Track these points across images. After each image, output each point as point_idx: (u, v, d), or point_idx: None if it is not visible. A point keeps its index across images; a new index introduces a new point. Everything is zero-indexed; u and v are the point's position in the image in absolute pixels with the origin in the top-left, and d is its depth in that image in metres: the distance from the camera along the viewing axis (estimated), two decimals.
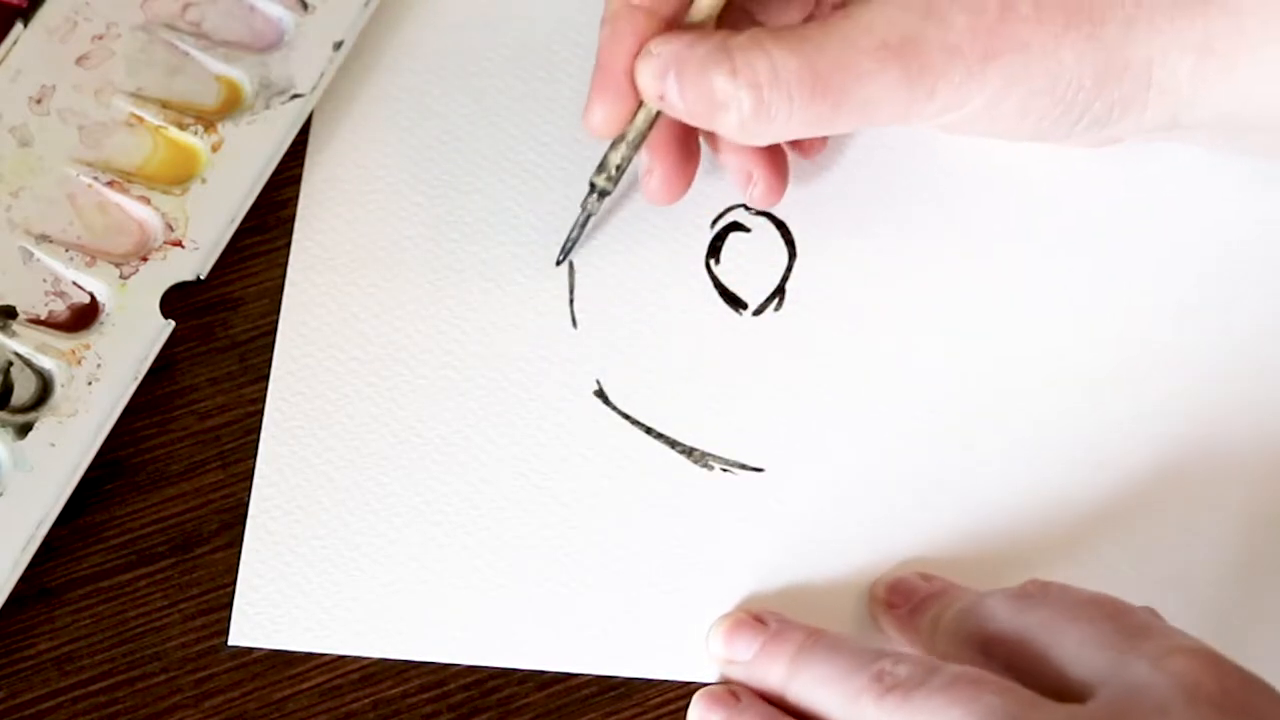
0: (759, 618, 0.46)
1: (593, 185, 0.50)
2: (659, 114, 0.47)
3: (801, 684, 0.43)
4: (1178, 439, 0.50)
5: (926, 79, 0.45)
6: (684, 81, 0.45)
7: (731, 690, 0.45)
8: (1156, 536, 0.49)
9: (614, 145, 0.49)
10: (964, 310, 0.52)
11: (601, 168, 0.49)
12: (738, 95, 0.44)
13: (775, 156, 0.50)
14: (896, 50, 0.44)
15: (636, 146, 0.48)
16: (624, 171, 0.49)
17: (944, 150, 0.54)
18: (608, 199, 0.51)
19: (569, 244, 0.52)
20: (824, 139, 0.52)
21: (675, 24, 0.47)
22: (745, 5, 0.50)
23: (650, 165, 0.49)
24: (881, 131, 0.54)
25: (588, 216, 0.51)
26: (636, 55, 0.46)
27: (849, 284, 0.52)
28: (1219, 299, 0.52)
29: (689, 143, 0.50)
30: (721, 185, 0.53)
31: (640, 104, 0.47)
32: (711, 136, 0.50)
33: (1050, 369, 0.51)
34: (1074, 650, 0.39)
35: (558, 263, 0.52)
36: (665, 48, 0.45)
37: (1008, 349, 0.51)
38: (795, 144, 0.51)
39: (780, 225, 0.53)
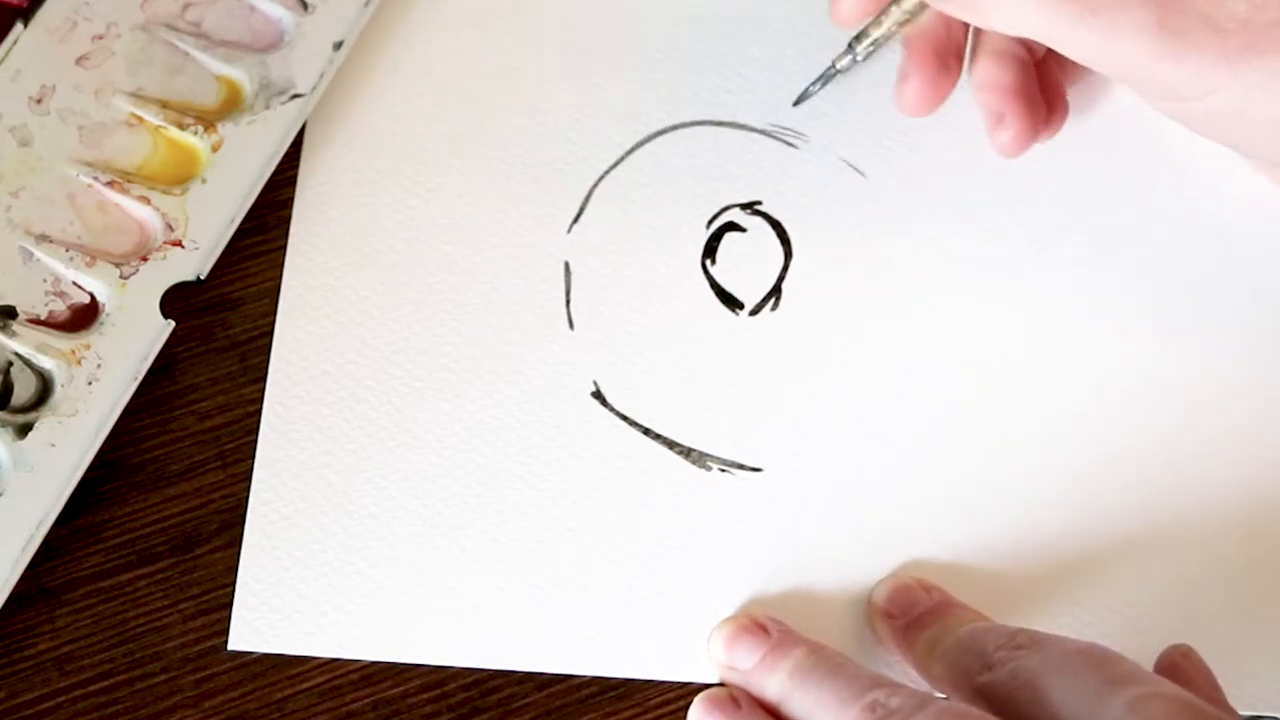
0: (762, 624, 0.46)
1: (850, 46, 0.52)
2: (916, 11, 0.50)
3: (798, 702, 0.44)
4: (1181, 438, 0.51)
5: (1179, 42, 0.44)
6: None
7: (732, 695, 0.46)
8: (1157, 533, 0.49)
9: (878, 19, 0.51)
10: (962, 309, 0.52)
11: (861, 36, 0.52)
12: None
13: (1030, 101, 0.51)
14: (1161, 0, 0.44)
15: (903, 24, 0.50)
16: (878, 47, 0.52)
17: (944, 150, 0.54)
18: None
19: (808, 93, 0.54)
20: (1063, 114, 0.52)
21: None
22: None
23: (906, 72, 0.51)
24: (880, 132, 0.54)
25: (834, 73, 0.53)
26: None
27: (845, 283, 0.53)
28: (1222, 313, 0.52)
29: (946, 57, 0.50)
30: (717, 184, 0.54)
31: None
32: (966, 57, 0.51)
33: (1051, 368, 0.51)
34: (1059, 698, 0.40)
35: (794, 104, 0.55)
36: None
37: (1007, 348, 0.52)
38: (1046, 101, 0.52)
39: (776, 225, 0.53)
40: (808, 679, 0.44)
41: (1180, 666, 0.44)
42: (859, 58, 0.52)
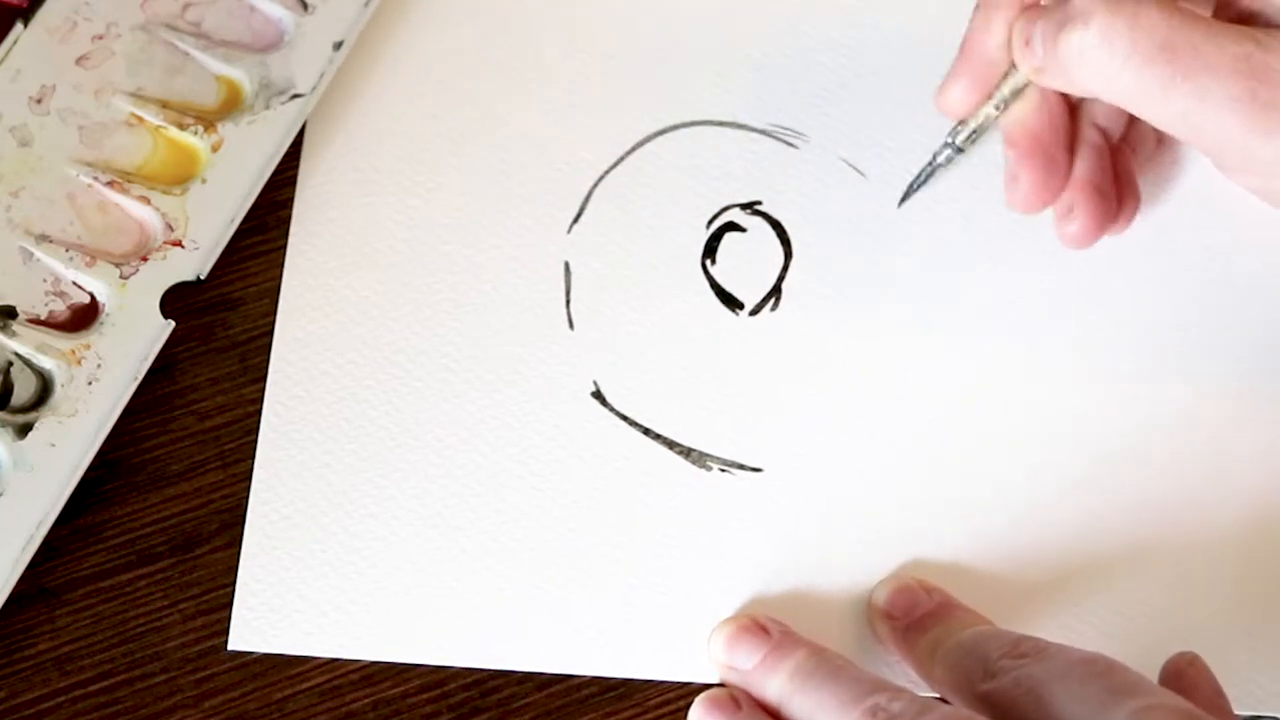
0: (762, 625, 0.46)
1: (949, 142, 0.50)
2: (1017, 93, 0.48)
3: (798, 704, 0.44)
4: (1184, 438, 0.51)
5: (1271, 117, 0.43)
6: (1049, 11, 0.45)
7: (733, 696, 0.46)
8: (1158, 533, 0.49)
9: (975, 112, 0.49)
10: (962, 309, 0.52)
11: (961, 125, 0.50)
12: (1090, 9, 0.43)
13: (1101, 193, 0.50)
14: (1256, 70, 0.43)
15: (998, 109, 0.49)
16: (979, 136, 0.50)
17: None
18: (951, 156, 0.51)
19: (911, 190, 0.52)
20: (1134, 206, 0.51)
21: None
22: None
23: (1015, 173, 0.49)
24: (880, 132, 0.54)
25: (934, 168, 0.51)
26: (1006, 38, 0.47)
27: (845, 283, 0.53)
28: (1224, 321, 0.53)
29: (1054, 151, 0.49)
30: (717, 184, 0.54)
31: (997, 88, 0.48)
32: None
33: (1052, 368, 0.51)
34: (1062, 707, 0.40)
35: (899, 204, 0.53)
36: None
37: (1008, 347, 0.52)
38: (1118, 192, 0.51)
39: (776, 225, 0.53)
40: (808, 681, 0.44)
41: (1185, 674, 0.44)
42: (961, 147, 0.50)
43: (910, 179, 0.52)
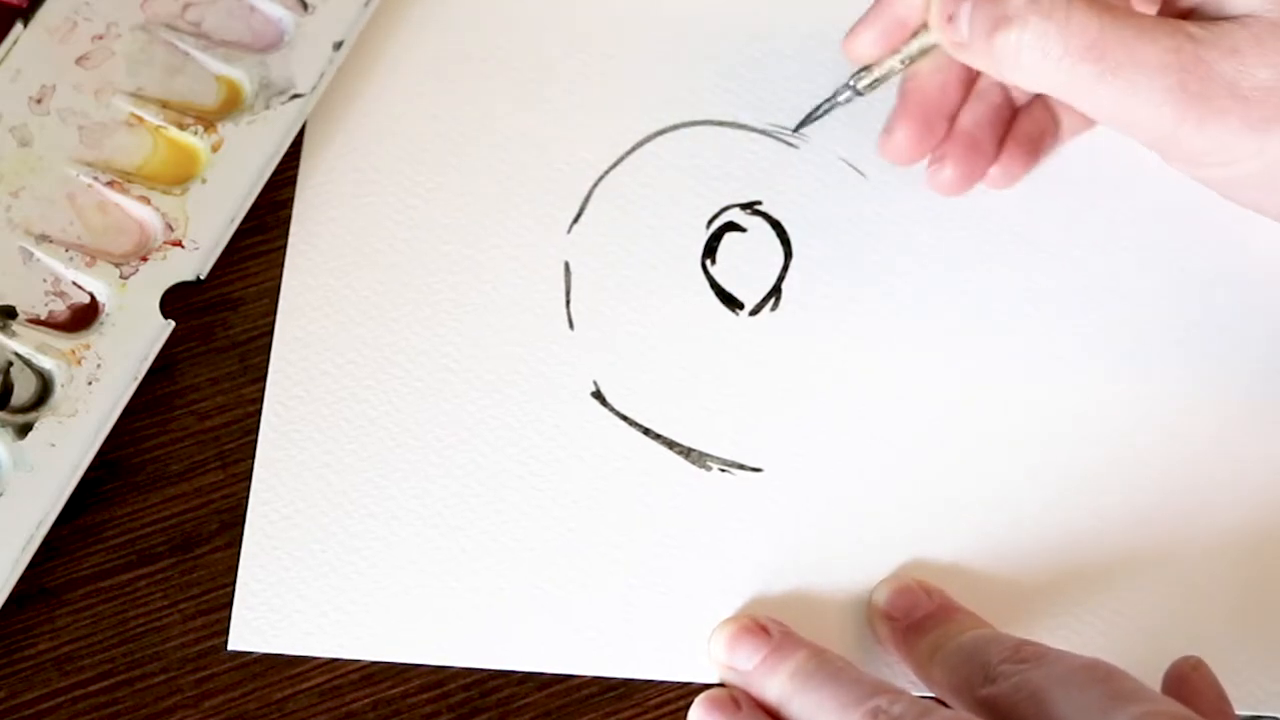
0: (763, 626, 0.46)
1: (852, 80, 0.51)
2: (924, 52, 0.49)
3: (798, 706, 0.44)
4: (1187, 439, 0.51)
5: (1198, 107, 0.44)
6: (981, 0, 0.46)
7: (733, 696, 0.45)
8: (1159, 534, 0.49)
9: (880, 60, 0.50)
10: (963, 309, 0.52)
11: (863, 71, 0.50)
12: (1026, 13, 0.44)
13: (974, 151, 0.50)
14: (1185, 63, 0.44)
15: (903, 64, 0.49)
16: (880, 84, 0.50)
17: None
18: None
19: (808, 119, 0.53)
20: (1023, 156, 0.51)
21: None
22: None
23: (892, 124, 0.50)
24: (875, 131, 0.54)
25: (833, 106, 0.52)
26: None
27: (845, 283, 0.53)
28: (1227, 321, 0.53)
29: (936, 117, 0.50)
30: (717, 184, 0.54)
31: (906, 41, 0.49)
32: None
33: (1053, 368, 0.51)
34: (1062, 713, 0.40)
35: (793, 129, 0.54)
36: None
37: (1008, 347, 0.52)
38: (1005, 147, 0.51)
39: (776, 225, 0.53)
40: (809, 682, 0.44)
41: (1189, 679, 0.44)
42: (861, 91, 0.51)
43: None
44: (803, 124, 0.53)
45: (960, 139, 0.50)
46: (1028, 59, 0.45)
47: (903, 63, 0.49)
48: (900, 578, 0.48)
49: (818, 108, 0.53)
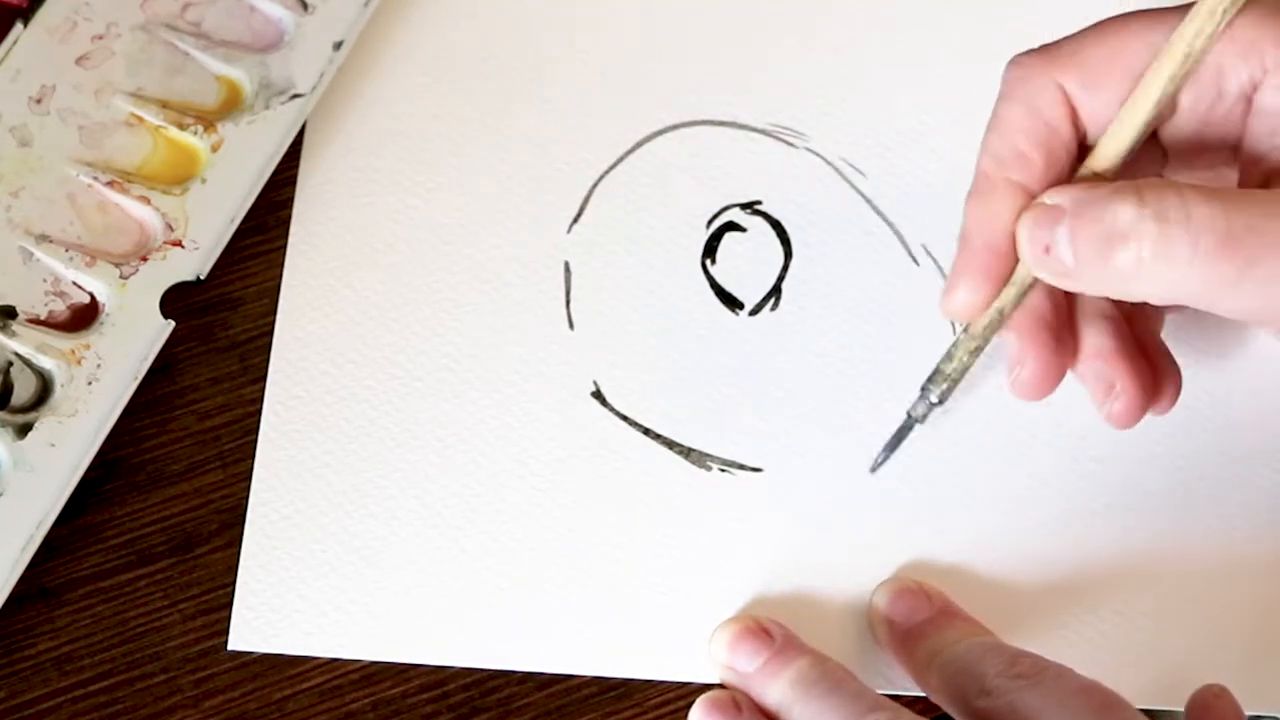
0: (765, 628, 0.46)
1: (924, 392, 0.47)
2: (1017, 304, 0.45)
3: (798, 714, 0.44)
4: (1193, 440, 0.51)
5: None
6: (1079, 221, 0.41)
7: (734, 699, 0.45)
8: (1164, 535, 0.49)
9: (949, 353, 0.46)
10: None
11: (936, 376, 0.47)
12: (1141, 226, 0.40)
13: (1143, 372, 0.46)
14: None
15: (977, 353, 0.46)
16: (959, 382, 0.47)
17: (945, 149, 0.54)
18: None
19: (885, 454, 0.49)
20: (1177, 381, 0.48)
21: None
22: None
23: (1021, 356, 0.46)
24: (880, 132, 0.54)
25: (910, 427, 0.49)
26: (1011, 229, 0.43)
27: (845, 283, 0.53)
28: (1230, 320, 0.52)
29: (1060, 332, 0.46)
30: (717, 184, 0.54)
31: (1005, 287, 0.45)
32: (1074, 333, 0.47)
33: None
34: None
35: (871, 470, 0.50)
36: (1062, 195, 0.42)
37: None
38: (1155, 380, 0.47)
39: (776, 225, 0.53)
40: (810, 692, 0.44)
41: (1211, 707, 0.43)
42: (935, 400, 0.47)
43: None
44: (877, 465, 0.50)
45: (1125, 359, 0.46)
46: (1154, 271, 0.41)
47: (970, 352, 0.46)
48: (901, 580, 0.48)
49: (891, 440, 0.49)
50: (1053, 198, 0.43)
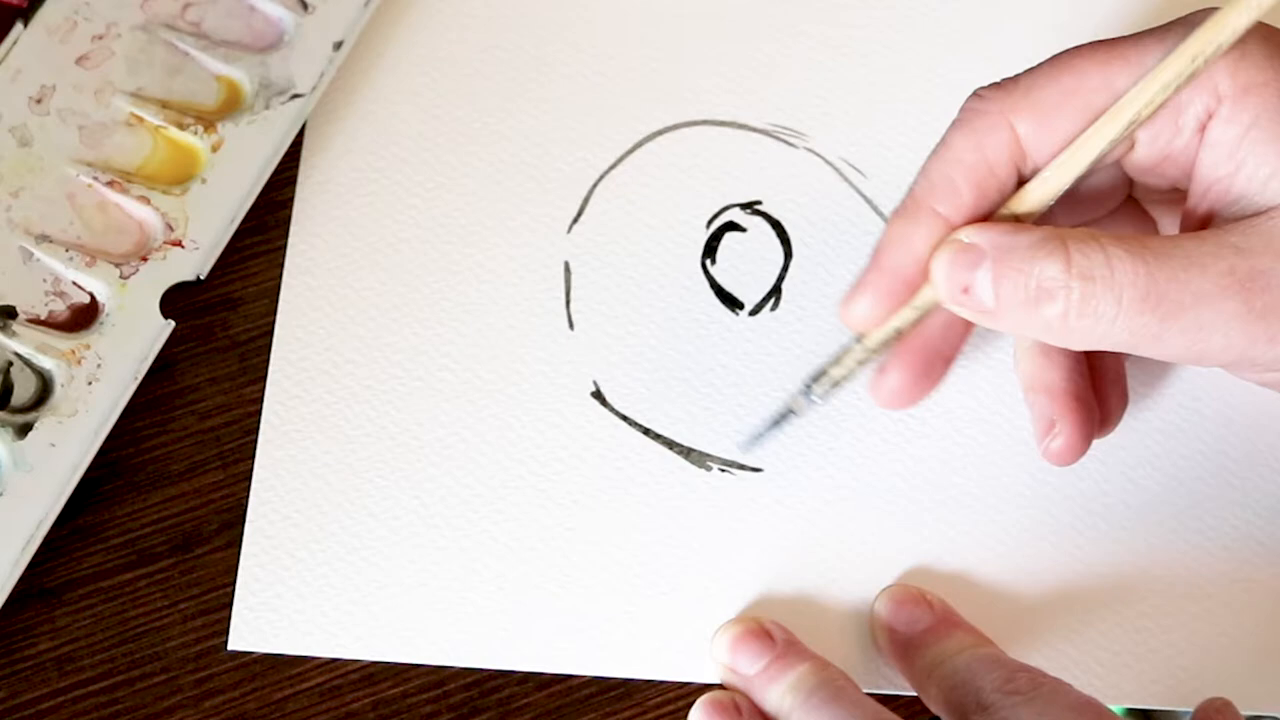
0: (767, 630, 0.46)
1: (808, 390, 0.47)
2: (913, 325, 0.45)
3: None
4: (1198, 442, 0.51)
5: (1270, 321, 0.41)
6: (1003, 268, 0.42)
7: (734, 700, 0.46)
8: (1166, 537, 0.49)
9: (838, 358, 0.46)
10: None
11: (821, 378, 0.47)
12: (1069, 285, 0.41)
13: (1084, 410, 0.47)
14: (1243, 281, 0.41)
15: (866, 364, 0.46)
16: (841, 386, 0.47)
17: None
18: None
19: (759, 437, 0.49)
20: (1122, 407, 0.49)
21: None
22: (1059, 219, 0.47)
23: (887, 365, 0.46)
24: (880, 132, 0.54)
25: (786, 416, 0.48)
26: (926, 257, 0.43)
27: (845, 283, 0.52)
28: None
29: (935, 360, 0.46)
30: (717, 184, 0.54)
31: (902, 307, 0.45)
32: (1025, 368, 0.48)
33: None
34: None
35: (739, 446, 0.50)
36: (982, 236, 0.43)
37: (1008, 346, 0.52)
38: (1101, 408, 0.48)
39: (776, 225, 0.53)
40: (810, 700, 0.44)
41: None
42: (816, 399, 0.47)
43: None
44: (753, 443, 0.50)
45: (1069, 398, 0.47)
46: (1080, 325, 0.41)
47: (860, 361, 0.46)
48: (902, 587, 0.48)
49: (769, 423, 0.49)
50: (970, 236, 0.43)
